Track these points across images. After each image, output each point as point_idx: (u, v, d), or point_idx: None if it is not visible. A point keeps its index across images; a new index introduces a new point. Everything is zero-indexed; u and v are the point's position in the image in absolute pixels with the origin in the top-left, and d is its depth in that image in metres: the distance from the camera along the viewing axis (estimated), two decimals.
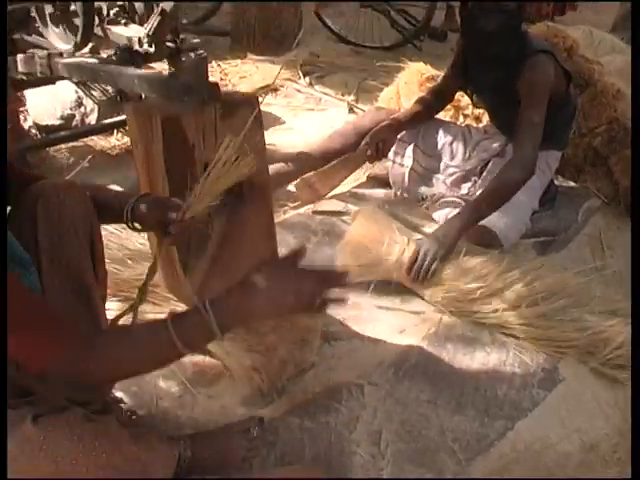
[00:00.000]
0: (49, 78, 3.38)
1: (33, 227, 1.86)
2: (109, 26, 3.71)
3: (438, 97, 3.51)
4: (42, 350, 1.47)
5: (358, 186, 3.59)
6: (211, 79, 2.24)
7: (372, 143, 3.35)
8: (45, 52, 3.27)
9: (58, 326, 1.49)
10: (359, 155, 3.40)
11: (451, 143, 3.45)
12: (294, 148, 3.87)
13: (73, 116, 3.88)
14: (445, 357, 2.49)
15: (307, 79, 5.07)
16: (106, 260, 2.08)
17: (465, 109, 4.07)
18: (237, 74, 4.70)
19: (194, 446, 1.91)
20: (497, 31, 2.98)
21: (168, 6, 3.26)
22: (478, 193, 3.04)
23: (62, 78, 3.54)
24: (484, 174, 3.29)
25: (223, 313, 1.52)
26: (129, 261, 2.68)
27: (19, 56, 3.30)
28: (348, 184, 3.53)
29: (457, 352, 2.51)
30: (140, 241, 2.92)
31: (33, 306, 1.50)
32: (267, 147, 3.74)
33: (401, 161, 3.45)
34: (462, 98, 3.78)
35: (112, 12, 3.76)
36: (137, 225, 1.95)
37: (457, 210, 3.04)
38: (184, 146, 1.92)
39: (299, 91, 4.86)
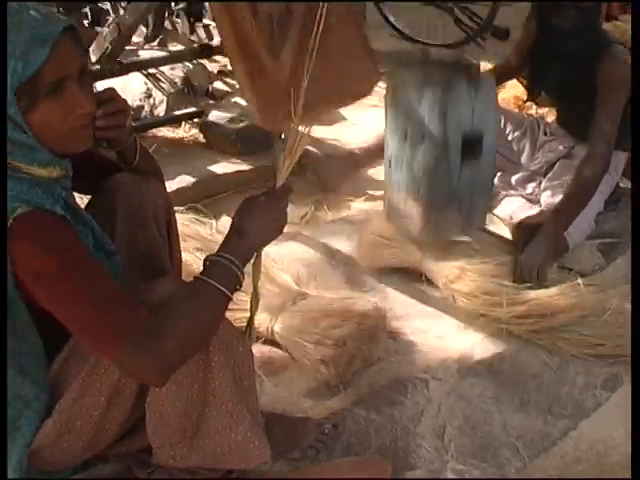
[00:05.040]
0: (121, 69, 3.46)
1: (112, 216, 1.92)
2: (177, 19, 3.81)
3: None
4: (113, 339, 1.49)
5: None
6: None
7: None
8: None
9: (132, 316, 1.52)
10: None
11: (519, 140, 3.43)
12: (357, 144, 3.90)
13: (142, 107, 3.96)
14: (508, 355, 2.51)
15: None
16: None
17: (529, 108, 4.06)
18: None
19: (268, 420, 1.97)
20: (574, 28, 2.95)
21: None
22: (558, 200, 3.02)
23: (133, 70, 3.63)
24: (549, 175, 3.28)
25: (237, 255, 1.65)
26: (198, 253, 2.74)
27: (91, 47, 3.39)
28: None
29: (520, 351, 2.53)
30: (207, 231, 2.99)
31: (112, 292, 1.54)
32: (330, 142, 3.79)
33: None
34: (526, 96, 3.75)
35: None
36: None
37: (519, 205, 3.05)
38: None
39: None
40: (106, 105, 1.74)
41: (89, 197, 1.99)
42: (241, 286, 1.65)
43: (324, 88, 1.82)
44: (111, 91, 1.79)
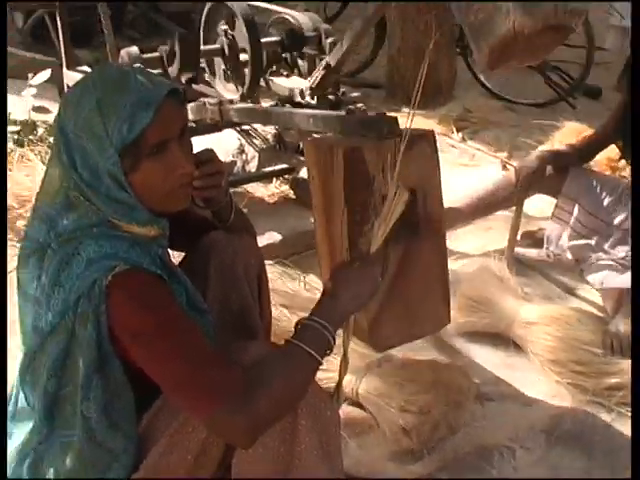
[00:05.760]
0: (216, 126, 3.54)
1: (205, 275, 1.96)
2: (272, 77, 3.88)
3: (589, 148, 3.44)
4: (207, 398, 1.52)
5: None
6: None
7: (521, 171, 3.32)
8: (216, 99, 3.43)
9: (226, 375, 1.55)
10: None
11: (615, 203, 3.36)
12: (447, 203, 3.89)
13: (235, 163, 4.02)
14: (599, 426, 2.44)
15: (460, 134, 5.09)
16: None
17: (622, 170, 4.00)
18: None
19: None
20: None
21: (334, 60, 3.38)
22: None
23: (229, 125, 3.71)
24: None
25: (329, 321, 1.67)
26: (285, 309, 2.75)
27: (190, 105, 3.48)
28: (500, 242, 3.50)
29: (611, 422, 2.46)
30: (295, 287, 3.01)
31: (206, 351, 1.57)
32: None
33: (561, 217, 3.37)
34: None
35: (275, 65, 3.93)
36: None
37: (611, 271, 2.99)
38: (364, 178, 1.92)
39: (452, 146, 4.89)
40: (204, 166, 1.79)
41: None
42: (332, 351, 1.66)
43: (399, 328, 2.05)
44: (209, 152, 1.84)
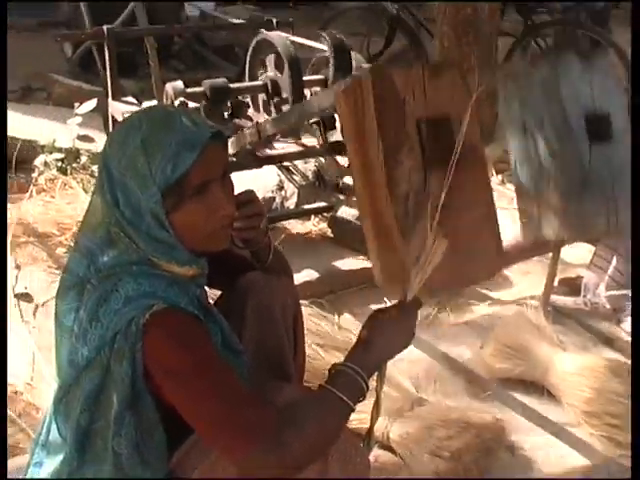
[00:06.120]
0: (257, 161, 3.57)
1: (242, 315, 1.96)
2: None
3: None
4: (243, 438, 1.52)
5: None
6: None
7: None
8: (253, 122, 3.45)
9: (261, 416, 1.55)
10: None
11: None
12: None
13: (273, 199, 4.04)
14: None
15: (500, 177, 5.07)
16: None
17: None
18: None
19: None
20: None
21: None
22: None
23: (268, 163, 3.74)
24: None
25: (363, 368, 1.67)
26: (319, 349, 2.75)
27: (230, 139, 3.51)
28: (537, 288, 3.47)
29: None
30: (329, 326, 3.01)
31: (241, 392, 1.57)
32: None
33: (600, 266, 3.34)
34: None
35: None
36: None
37: None
38: (396, 102, 1.86)
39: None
40: (245, 207, 1.80)
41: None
42: (365, 397, 1.66)
43: (447, 268, 1.85)
44: (250, 194, 1.86)
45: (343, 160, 4.19)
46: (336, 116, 3.63)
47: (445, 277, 1.88)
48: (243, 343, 1.86)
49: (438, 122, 1.88)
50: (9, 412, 2.49)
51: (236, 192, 1.75)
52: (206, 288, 1.85)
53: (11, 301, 3.13)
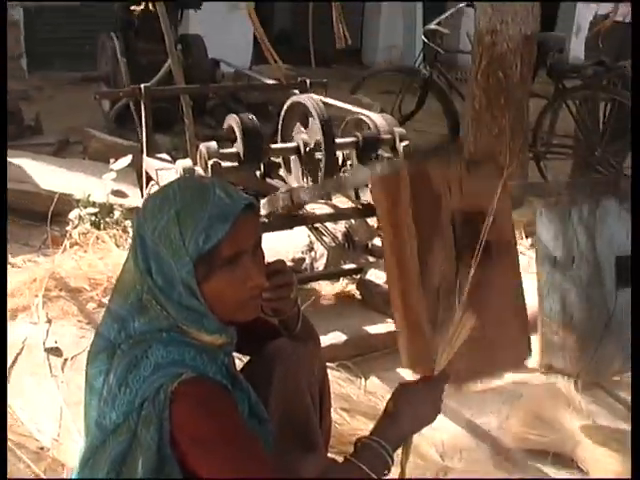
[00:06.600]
0: (287, 224, 3.60)
1: (269, 383, 1.96)
2: (345, 174, 3.94)
3: None
4: None
5: None
6: None
7: None
8: (287, 186, 3.50)
9: None
10: None
11: None
12: None
13: (303, 260, 4.06)
14: None
15: (530, 240, 5.06)
16: None
17: None
18: None
19: None
20: None
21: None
22: None
23: (298, 224, 3.76)
24: None
25: (389, 441, 1.68)
26: (345, 413, 2.75)
27: (262, 200, 3.55)
28: None
29: None
30: (355, 391, 3.00)
31: (265, 462, 1.58)
32: None
33: None
34: None
35: (349, 161, 3.99)
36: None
37: None
38: (432, 197, 1.90)
39: (522, 253, 4.85)
40: (275, 277, 1.82)
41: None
42: (390, 471, 1.66)
43: (475, 359, 1.90)
44: (280, 264, 1.88)
45: (373, 221, 4.22)
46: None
47: (473, 369, 1.94)
48: (269, 411, 1.87)
49: (472, 215, 1.91)
50: (34, 468, 2.50)
51: (267, 258, 1.77)
52: (234, 353, 1.87)
53: (41, 355, 3.17)
